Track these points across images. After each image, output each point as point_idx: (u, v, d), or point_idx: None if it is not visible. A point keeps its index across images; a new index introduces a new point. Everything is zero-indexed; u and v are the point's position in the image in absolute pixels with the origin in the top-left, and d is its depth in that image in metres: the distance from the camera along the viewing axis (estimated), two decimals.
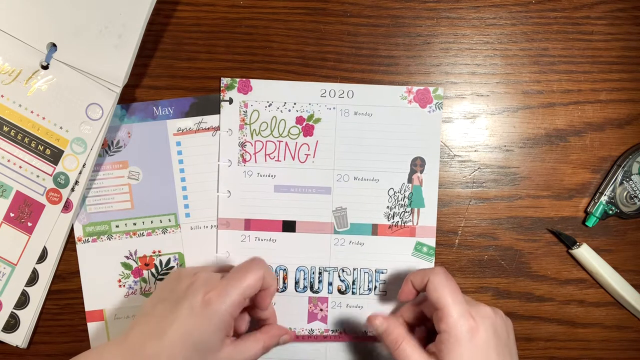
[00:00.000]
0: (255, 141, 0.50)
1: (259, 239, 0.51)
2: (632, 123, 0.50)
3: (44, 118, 0.47)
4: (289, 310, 0.51)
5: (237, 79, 0.49)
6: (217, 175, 0.50)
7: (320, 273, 0.51)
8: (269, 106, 0.50)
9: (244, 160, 0.50)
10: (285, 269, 0.51)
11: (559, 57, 0.50)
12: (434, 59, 0.50)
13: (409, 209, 0.50)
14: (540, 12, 0.50)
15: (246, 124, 0.50)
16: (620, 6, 0.49)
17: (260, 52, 0.50)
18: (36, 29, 0.46)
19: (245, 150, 0.50)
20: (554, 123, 0.50)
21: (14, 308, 0.49)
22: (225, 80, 0.49)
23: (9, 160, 0.48)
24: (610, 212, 0.49)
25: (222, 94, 0.50)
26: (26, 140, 0.47)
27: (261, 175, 0.50)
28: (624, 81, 0.50)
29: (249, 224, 0.51)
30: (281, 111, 0.50)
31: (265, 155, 0.50)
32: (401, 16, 0.50)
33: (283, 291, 0.51)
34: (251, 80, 0.50)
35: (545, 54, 0.50)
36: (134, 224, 0.50)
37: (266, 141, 0.50)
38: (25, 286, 0.49)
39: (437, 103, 0.50)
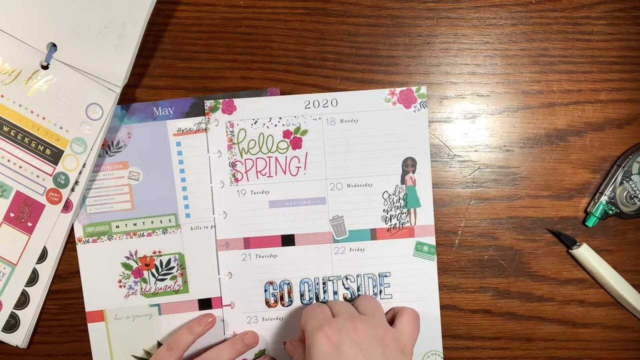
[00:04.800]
0: (245, 160, 0.50)
1: (259, 256, 0.51)
2: (632, 123, 0.50)
3: (44, 118, 0.47)
4: (297, 324, 0.51)
5: (220, 100, 0.49)
6: (212, 198, 0.50)
7: (324, 283, 0.51)
8: (255, 123, 0.50)
9: (236, 180, 0.50)
10: (289, 283, 0.51)
11: (559, 57, 0.50)
12: (434, 59, 0.50)
13: (405, 210, 0.50)
14: (540, 12, 0.50)
15: (234, 143, 0.50)
16: (620, 6, 0.49)
17: (260, 52, 0.50)
18: (36, 29, 0.46)
19: (236, 169, 0.50)
20: (554, 123, 0.50)
21: (14, 308, 0.49)
22: (208, 103, 0.49)
23: (9, 160, 0.48)
24: (610, 212, 0.49)
25: (206, 116, 0.50)
26: (26, 140, 0.47)
27: (255, 193, 0.50)
28: (624, 81, 0.50)
29: (248, 243, 0.51)
30: (267, 127, 0.50)
31: (257, 172, 0.50)
32: (401, 16, 0.50)
33: (289, 305, 0.51)
34: (234, 99, 0.49)
35: (545, 54, 0.50)
36: (134, 224, 0.50)
37: (256, 158, 0.50)
38: (25, 286, 0.49)
39: (421, 102, 0.50)
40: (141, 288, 0.51)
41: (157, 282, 0.51)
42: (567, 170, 0.50)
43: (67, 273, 0.51)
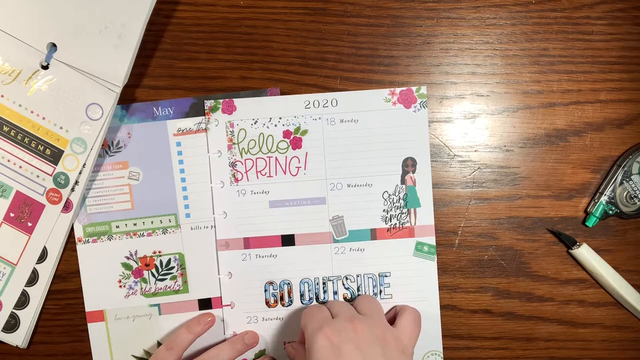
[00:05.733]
0: (245, 160, 0.50)
1: (259, 256, 0.51)
2: (632, 123, 0.50)
3: (44, 118, 0.47)
4: (297, 324, 0.51)
5: (221, 100, 0.49)
6: (212, 198, 0.50)
7: (324, 283, 0.51)
8: (255, 123, 0.50)
9: (236, 180, 0.50)
10: (289, 283, 0.51)
11: (559, 57, 0.50)
12: (434, 59, 0.50)
13: (405, 210, 0.50)
14: (540, 12, 0.50)
15: (234, 143, 0.50)
16: (620, 6, 0.49)
17: (260, 52, 0.50)
18: (36, 29, 0.46)
19: (236, 169, 0.50)
20: (554, 123, 0.50)
21: (14, 308, 0.49)
22: (208, 103, 0.49)
23: (9, 160, 0.48)
24: (610, 212, 0.49)
25: (206, 116, 0.50)
26: (26, 140, 0.47)
27: (255, 193, 0.50)
28: (624, 81, 0.50)
29: (248, 243, 0.51)
30: (267, 127, 0.50)
31: (257, 172, 0.50)
32: (401, 16, 0.50)
33: (289, 305, 0.51)
34: (234, 99, 0.49)
35: (545, 54, 0.50)
36: (134, 224, 0.50)
37: (256, 158, 0.50)
38: (25, 286, 0.49)
39: (421, 102, 0.50)
40: (141, 288, 0.51)
41: (157, 282, 0.51)
42: (567, 170, 0.50)
43: (67, 273, 0.51)
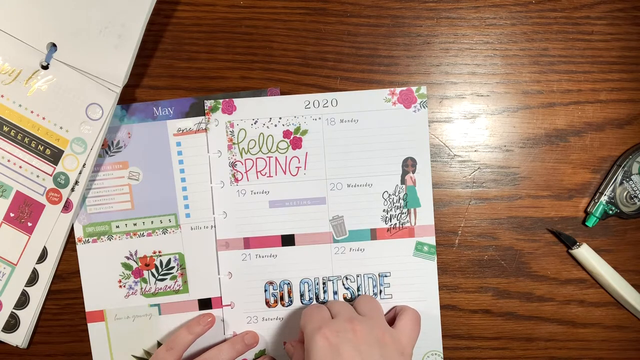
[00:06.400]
0: (245, 160, 0.50)
1: (259, 256, 0.51)
2: (632, 123, 0.50)
3: (44, 118, 0.47)
4: (297, 324, 0.51)
5: (221, 100, 0.49)
6: (212, 198, 0.50)
7: (324, 283, 0.51)
8: (255, 123, 0.50)
9: (236, 180, 0.50)
10: (289, 283, 0.51)
11: (559, 57, 0.50)
12: (434, 59, 0.50)
13: (405, 210, 0.50)
14: (540, 12, 0.50)
15: (234, 143, 0.50)
16: (620, 6, 0.49)
17: (260, 52, 0.50)
18: (36, 29, 0.46)
19: (236, 169, 0.50)
20: (554, 123, 0.50)
21: (14, 308, 0.49)
22: (208, 103, 0.49)
23: (9, 160, 0.48)
24: (610, 212, 0.49)
25: (206, 116, 0.50)
26: (26, 140, 0.47)
27: (255, 193, 0.50)
28: (624, 81, 0.50)
29: (248, 243, 0.51)
30: (267, 127, 0.50)
31: (257, 172, 0.50)
32: (401, 16, 0.50)
33: (289, 305, 0.51)
34: (234, 99, 0.49)
35: (545, 54, 0.50)
36: (134, 224, 0.51)
37: (256, 158, 0.50)
38: (25, 286, 0.49)
39: (421, 102, 0.50)
40: (141, 288, 0.51)
41: (157, 282, 0.51)
42: (567, 170, 0.50)
43: (67, 273, 0.51)
